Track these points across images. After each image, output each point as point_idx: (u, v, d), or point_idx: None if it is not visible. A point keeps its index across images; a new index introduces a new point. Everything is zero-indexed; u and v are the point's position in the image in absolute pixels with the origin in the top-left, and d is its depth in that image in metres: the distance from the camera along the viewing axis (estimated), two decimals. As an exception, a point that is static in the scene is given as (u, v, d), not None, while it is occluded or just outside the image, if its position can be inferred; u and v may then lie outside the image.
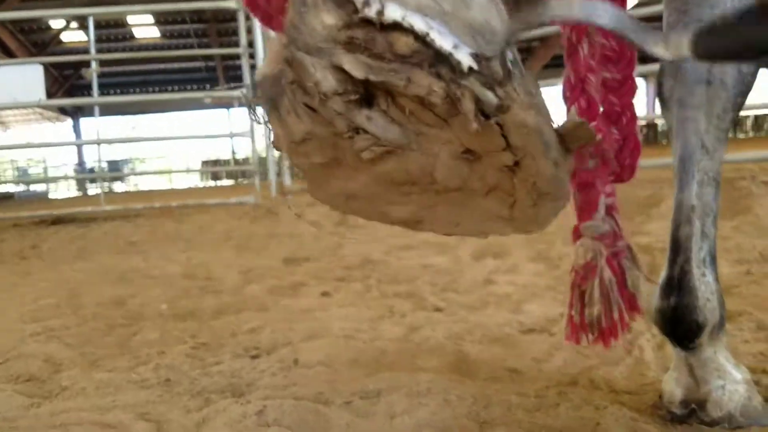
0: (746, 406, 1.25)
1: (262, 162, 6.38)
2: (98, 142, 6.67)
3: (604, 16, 0.44)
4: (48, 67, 26.23)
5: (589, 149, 1.21)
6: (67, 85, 28.00)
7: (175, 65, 28.27)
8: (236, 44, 6.42)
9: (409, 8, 0.46)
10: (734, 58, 0.43)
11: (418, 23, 0.46)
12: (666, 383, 1.33)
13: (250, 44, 6.11)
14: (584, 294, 1.37)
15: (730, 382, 1.26)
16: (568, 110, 1.31)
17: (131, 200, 9.30)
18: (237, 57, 7.02)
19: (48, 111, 29.89)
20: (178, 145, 33.88)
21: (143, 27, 24.68)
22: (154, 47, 24.91)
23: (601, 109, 1.35)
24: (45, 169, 31.15)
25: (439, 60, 0.46)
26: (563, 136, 0.52)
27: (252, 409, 1.47)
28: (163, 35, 25.35)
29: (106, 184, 26.14)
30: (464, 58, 0.46)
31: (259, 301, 2.66)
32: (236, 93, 6.23)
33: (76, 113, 31.16)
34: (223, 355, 1.95)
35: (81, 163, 31.72)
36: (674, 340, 1.26)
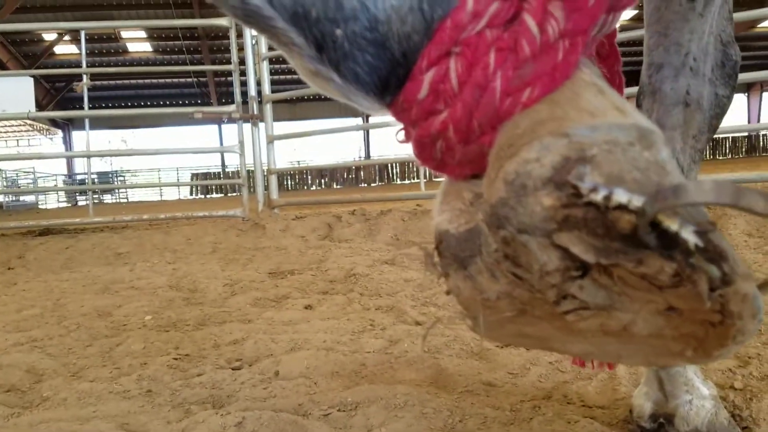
0: (712, 422, 1.28)
1: (251, 176, 6.40)
2: (88, 155, 6.67)
3: (727, 195, 0.47)
4: (40, 80, 26.21)
5: None
6: (58, 97, 27.98)
7: (167, 80, 28.33)
8: (228, 61, 6.47)
9: (635, 191, 0.47)
10: None
11: (647, 204, 0.47)
12: (636, 398, 1.37)
13: (242, 62, 6.16)
14: None
15: (697, 398, 1.29)
16: None
17: (120, 212, 9.29)
18: (229, 74, 7.05)
19: (39, 123, 29.84)
20: (169, 159, 33.85)
21: (136, 42, 24.73)
22: (147, 62, 24.97)
23: None
24: (35, 180, 31.02)
25: (663, 238, 0.47)
26: (762, 290, 0.54)
27: (231, 420, 1.49)
28: (156, 50, 25.41)
29: (95, 196, 26.09)
30: (691, 237, 0.47)
31: (243, 312, 2.68)
32: (227, 108, 6.26)
33: (67, 125, 31.12)
34: (205, 367, 1.96)
35: (71, 174, 31.65)
36: None
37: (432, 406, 1.52)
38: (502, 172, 0.52)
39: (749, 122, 27.80)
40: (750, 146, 29.89)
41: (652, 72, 1.23)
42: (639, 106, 1.26)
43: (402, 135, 0.61)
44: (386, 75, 0.55)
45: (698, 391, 1.29)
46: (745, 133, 30.43)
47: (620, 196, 0.47)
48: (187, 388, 1.79)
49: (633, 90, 1.68)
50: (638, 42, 1.48)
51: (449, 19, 0.53)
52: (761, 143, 30.30)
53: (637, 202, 0.47)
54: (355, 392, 1.66)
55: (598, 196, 0.47)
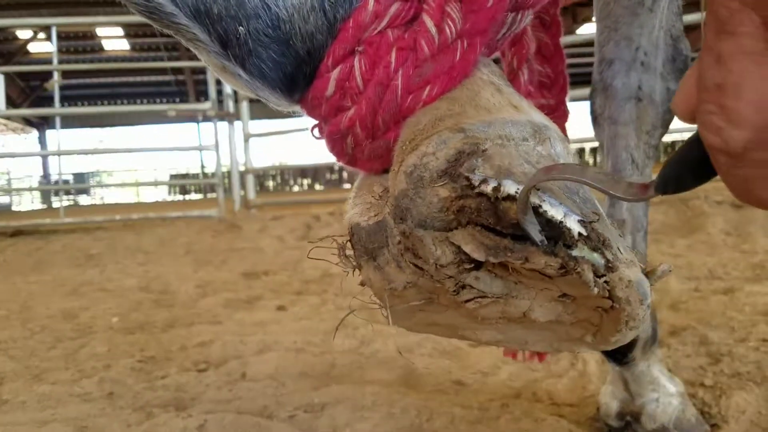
0: (680, 418, 1.27)
1: (228, 176, 6.33)
2: (59, 153, 6.56)
3: (586, 175, 0.49)
4: (14, 78, 25.78)
5: None
6: (33, 96, 27.55)
7: (145, 79, 28.03)
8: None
9: (522, 182, 0.50)
10: (693, 186, 0.48)
11: (532, 196, 0.49)
12: (603, 396, 1.35)
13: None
14: None
15: (663, 395, 1.27)
16: None
17: (95, 213, 9.15)
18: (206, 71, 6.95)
19: (13, 122, 29.38)
20: (146, 159, 33.52)
21: (113, 39, 24.42)
22: (123, 60, 24.67)
23: None
24: (9, 181, 30.53)
25: (550, 228, 0.49)
26: (649, 277, 0.56)
27: (193, 423, 1.45)
28: (133, 48, 25.10)
29: (71, 196, 25.75)
30: (575, 226, 0.49)
31: (213, 314, 2.63)
32: (203, 106, 6.19)
33: (42, 125, 30.66)
34: (170, 369, 1.92)
35: (46, 175, 31.20)
36: (607, 355, 1.27)
37: (400, 405, 1.49)
38: (403, 166, 0.54)
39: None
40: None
41: (603, 68, 1.22)
42: (592, 102, 1.25)
43: (317, 131, 0.64)
44: (292, 72, 0.57)
45: (664, 388, 1.28)
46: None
47: (509, 187, 0.50)
48: (150, 390, 1.74)
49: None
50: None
51: (352, 18, 0.56)
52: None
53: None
54: (322, 393, 1.63)
55: (488, 188, 0.50)
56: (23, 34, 23.08)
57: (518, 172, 0.51)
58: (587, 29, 15.87)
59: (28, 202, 29.26)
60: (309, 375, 1.80)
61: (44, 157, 28.90)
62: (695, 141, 0.45)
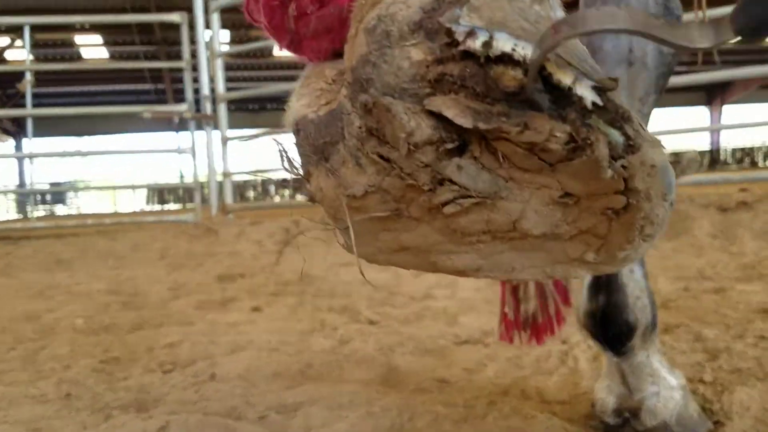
0: (682, 414, 1.17)
1: (205, 184, 6.19)
2: (31, 156, 6.39)
3: (626, 20, 0.36)
4: (-10, 85, 25.40)
5: None
6: (9, 104, 27.16)
7: (123, 87, 27.73)
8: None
9: (521, 37, 0.38)
10: None
11: (532, 53, 0.38)
12: (598, 391, 1.25)
13: (194, 55, 5.95)
14: (517, 290, 1.29)
15: (664, 389, 1.18)
16: None
17: (69, 220, 8.95)
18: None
19: (-12, 130, 28.94)
20: (124, 168, 33.13)
21: (91, 48, 24.16)
22: (102, 68, 24.39)
23: None
24: (-17, 191, 30.01)
25: (557, 97, 0.38)
26: (674, 168, 0.43)
27: (154, 424, 1.33)
28: (112, 56, 24.86)
29: (47, 206, 25.35)
30: (587, 93, 0.38)
31: (184, 315, 2.51)
32: (178, 108, 6.05)
33: (18, 133, 30.21)
34: (134, 370, 1.79)
35: (22, 184, 30.70)
36: (605, 343, 1.17)
37: (380, 404, 1.38)
38: (363, 22, 0.42)
39: (711, 135, 28.43)
40: (711, 159, 30.65)
41: None
42: None
43: (251, 8, 0.50)
44: None
45: (665, 381, 1.18)
46: (707, 147, 31.18)
47: (503, 43, 0.38)
48: (110, 392, 1.62)
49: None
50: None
51: None
52: (722, 157, 31.13)
53: (523, 49, 0.38)
54: (297, 393, 1.52)
55: (476, 43, 0.38)
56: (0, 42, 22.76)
57: (515, 27, 0.39)
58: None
59: (3, 212, 28.76)
60: (283, 375, 1.69)
61: (20, 166, 28.42)
62: None
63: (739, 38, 0.37)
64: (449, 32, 0.39)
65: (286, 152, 0.51)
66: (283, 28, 0.48)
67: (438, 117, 0.40)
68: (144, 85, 26.30)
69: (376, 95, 0.41)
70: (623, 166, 0.40)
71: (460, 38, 0.39)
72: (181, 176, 31.10)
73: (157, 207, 29.29)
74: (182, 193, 28.06)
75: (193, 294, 2.99)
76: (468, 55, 0.39)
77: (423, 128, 0.41)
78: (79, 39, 22.95)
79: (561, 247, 0.47)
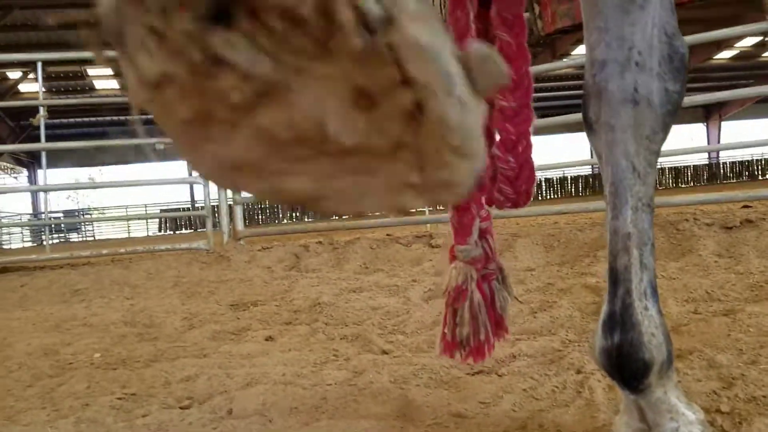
0: (702, 449, 1.17)
1: (217, 209, 6.24)
2: (46, 190, 6.47)
3: None
4: (4, 118, 25.76)
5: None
6: (23, 135, 27.50)
7: (136, 116, 28.00)
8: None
9: None
10: None
11: None
12: (617, 427, 1.25)
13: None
14: (456, 314, 1.39)
15: (684, 424, 1.17)
16: None
17: (83, 249, 9.02)
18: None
19: (2, 161, 29.30)
20: (137, 196, 33.37)
21: (103, 80, 24.49)
22: (114, 98, 24.68)
23: (499, 137, 1.36)
24: (-2, 220, 30.26)
25: None
26: (469, 69, 0.42)
27: (173, 463, 1.34)
28: (123, 87, 25.17)
29: (60, 234, 25.53)
30: None
31: (199, 347, 2.52)
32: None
33: (32, 164, 30.56)
34: (151, 406, 1.81)
35: (36, 213, 30.98)
36: (621, 382, 1.17)
37: (396, 441, 1.39)
38: None
39: (709, 151, 28.42)
40: (710, 174, 30.51)
41: (595, 70, 1.14)
42: (585, 108, 1.17)
43: None
44: None
45: (684, 417, 1.18)
46: (706, 161, 31.08)
47: None
48: (129, 430, 1.63)
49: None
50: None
51: None
52: (721, 171, 30.95)
53: None
54: (313, 429, 1.53)
55: None
56: (13, 75, 23.12)
57: None
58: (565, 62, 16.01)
59: (19, 241, 28.99)
60: (299, 410, 1.70)
61: (34, 195, 28.71)
62: None
63: None
64: None
65: (95, 37, 0.47)
66: None
67: None
68: (155, 113, 26.56)
69: None
70: (388, 47, 0.38)
71: None
72: (193, 201, 31.33)
73: (169, 232, 29.45)
74: (194, 218, 28.22)
75: (207, 324, 3.01)
76: None
77: None
78: (91, 71, 23.26)
79: (388, 169, 0.47)
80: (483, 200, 1.41)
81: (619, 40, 1.11)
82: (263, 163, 0.49)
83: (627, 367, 1.14)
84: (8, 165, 30.55)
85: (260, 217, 30.99)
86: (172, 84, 0.45)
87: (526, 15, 1.37)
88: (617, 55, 1.11)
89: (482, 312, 1.38)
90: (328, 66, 0.41)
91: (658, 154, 1.14)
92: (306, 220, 29.51)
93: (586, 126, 1.18)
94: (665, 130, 1.13)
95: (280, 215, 31.08)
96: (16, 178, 32.30)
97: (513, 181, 1.37)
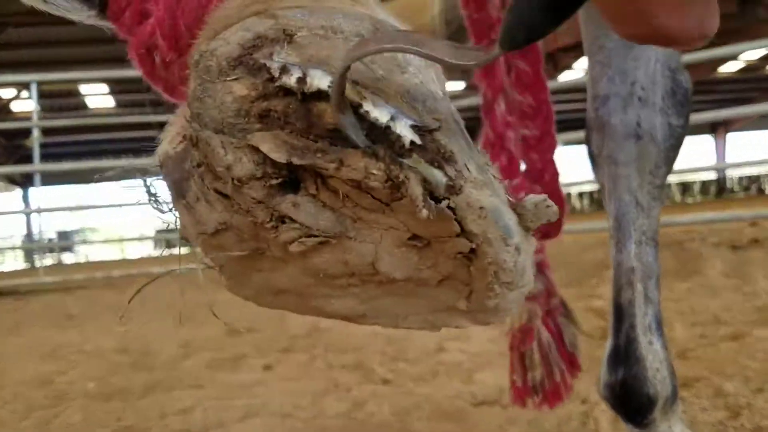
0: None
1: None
2: (39, 211, 6.43)
3: (403, 40, 0.38)
4: (-2, 137, 25.70)
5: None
6: (16, 155, 27.44)
7: (129, 135, 28.04)
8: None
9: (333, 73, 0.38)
10: (548, 28, 0.36)
11: (351, 92, 0.39)
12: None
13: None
14: (524, 357, 1.30)
15: (692, 460, 1.15)
16: None
17: (77, 271, 8.95)
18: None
19: (-4, 180, 29.20)
20: (132, 215, 33.29)
21: (97, 97, 24.49)
22: (108, 117, 24.66)
23: (525, 167, 1.33)
24: (-10, 241, 30.11)
25: (375, 134, 0.39)
26: (522, 215, 0.43)
27: (170, 504, 1.31)
28: (118, 104, 25.18)
29: (55, 255, 25.39)
30: (405, 131, 0.39)
31: (195, 376, 2.48)
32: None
33: (25, 183, 30.47)
34: (148, 440, 1.77)
35: (29, 234, 30.85)
36: (625, 416, 1.15)
37: (399, 479, 1.36)
38: (189, 58, 0.42)
39: (717, 169, 28.50)
40: (719, 188, 30.52)
41: (598, 105, 1.13)
42: (588, 142, 1.17)
43: (131, 54, 0.50)
44: None
45: (693, 452, 1.16)
46: (714, 176, 31.09)
47: (318, 80, 0.38)
48: (124, 466, 1.60)
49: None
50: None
51: None
52: (730, 185, 30.98)
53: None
54: (313, 465, 1.50)
55: (291, 79, 0.38)
56: (6, 94, 23.12)
57: (338, 65, 0.39)
58: (568, 76, 16.10)
59: (11, 262, 28.82)
60: (298, 443, 1.67)
61: (27, 216, 28.63)
62: None
63: (502, 51, 0.38)
64: (267, 69, 0.40)
65: (150, 188, 0.51)
66: (157, 75, 0.48)
67: (261, 152, 0.41)
68: (149, 132, 26.55)
69: (198, 129, 0.41)
70: (451, 209, 0.40)
71: (275, 74, 0.39)
72: (187, 220, 31.06)
73: (164, 250, 29.31)
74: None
75: (202, 351, 2.97)
76: (290, 91, 0.39)
77: (244, 162, 0.41)
78: (84, 88, 23.27)
79: (434, 294, 0.47)
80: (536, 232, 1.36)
81: (622, 75, 1.10)
82: (309, 289, 0.49)
83: (631, 402, 1.13)
84: (1, 185, 30.46)
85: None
86: (230, 230, 0.46)
87: None
88: (620, 89, 1.10)
89: (553, 351, 1.32)
90: (387, 217, 0.42)
91: (662, 187, 1.13)
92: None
93: (590, 159, 1.17)
94: (669, 165, 1.12)
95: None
96: (9, 197, 32.20)
97: None
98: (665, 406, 1.14)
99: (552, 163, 1.36)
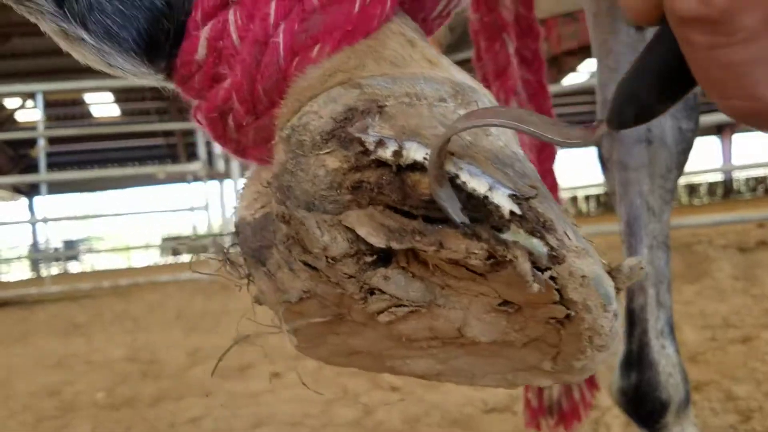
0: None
1: (219, 237, 6.22)
2: (45, 221, 6.46)
3: (506, 115, 0.38)
4: (3, 147, 25.81)
5: None
6: (23, 164, 27.55)
7: (134, 143, 28.10)
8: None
9: (431, 146, 0.38)
10: (661, 109, 0.35)
11: (448, 164, 0.38)
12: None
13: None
14: None
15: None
16: None
17: (84, 280, 8.98)
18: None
19: (2, 190, 29.33)
20: (138, 222, 33.38)
21: (102, 105, 24.57)
22: (114, 125, 24.72)
23: None
24: (-4, 251, 30.21)
25: (472, 205, 0.38)
26: (616, 279, 0.42)
27: None
28: (124, 113, 25.25)
29: (61, 264, 25.48)
30: (504, 202, 0.37)
31: (203, 385, 2.48)
32: (192, 167, 6.12)
33: (30, 192, 30.59)
34: (157, 451, 1.77)
35: (35, 243, 30.97)
36: (639, 421, 1.15)
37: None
38: (280, 132, 0.42)
39: (723, 165, 28.35)
40: (726, 190, 30.35)
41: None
42: (598, 146, 1.17)
43: (198, 115, 0.49)
44: (149, 29, 0.45)
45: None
46: (721, 178, 30.92)
47: (414, 152, 0.38)
48: (135, 477, 1.60)
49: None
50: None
51: None
52: (736, 186, 30.80)
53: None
54: (324, 474, 1.49)
55: (387, 152, 0.38)
56: (11, 103, 23.23)
57: (429, 135, 0.39)
58: (572, 79, 16.08)
59: (17, 271, 28.92)
60: (308, 452, 1.66)
61: (33, 225, 28.74)
62: (655, 41, 0.33)
63: (610, 129, 0.38)
64: (361, 142, 0.39)
65: (227, 254, 0.51)
66: (227, 138, 0.48)
67: (353, 230, 0.40)
68: (155, 140, 26.65)
69: (291, 207, 0.41)
70: (552, 278, 0.39)
71: (371, 147, 0.39)
72: (194, 227, 31.27)
73: (171, 258, 29.39)
74: (195, 244, 28.10)
75: (211, 359, 2.97)
76: (383, 163, 0.39)
77: (339, 242, 0.40)
78: (89, 97, 23.35)
79: (518, 355, 0.46)
80: None
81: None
82: (387, 351, 0.49)
83: (645, 406, 1.13)
84: (7, 194, 30.58)
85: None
86: (313, 298, 0.45)
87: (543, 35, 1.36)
88: None
89: None
90: (479, 285, 0.41)
91: (673, 191, 1.13)
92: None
93: (600, 163, 1.16)
94: (680, 168, 1.12)
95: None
96: (15, 206, 32.31)
97: None
98: (678, 410, 1.14)
99: (551, 172, 1.36)
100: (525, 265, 0.37)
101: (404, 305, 0.43)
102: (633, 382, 1.12)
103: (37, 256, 21.72)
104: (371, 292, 0.42)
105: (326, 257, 0.41)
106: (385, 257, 0.41)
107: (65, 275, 18.80)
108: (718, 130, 28.70)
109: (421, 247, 0.38)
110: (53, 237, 29.82)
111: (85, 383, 2.70)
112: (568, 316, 0.40)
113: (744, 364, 2.00)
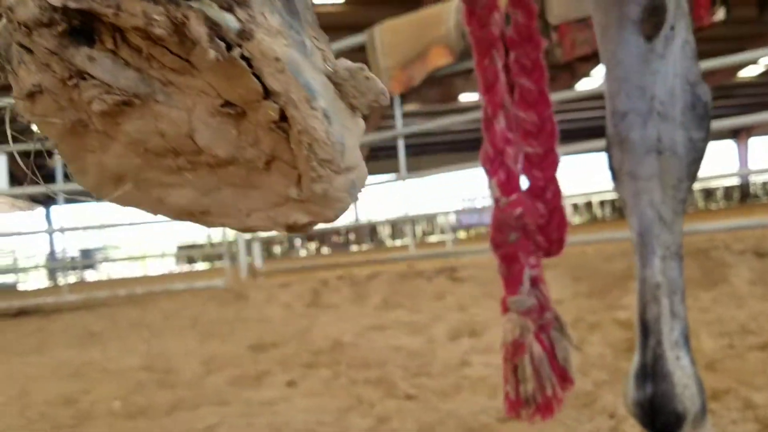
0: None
1: (233, 245, 6.25)
2: (62, 230, 6.52)
3: None
4: (21, 157, 26.07)
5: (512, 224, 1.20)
6: (40, 174, 27.79)
7: (150, 151, 28.26)
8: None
9: None
10: None
11: None
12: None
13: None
14: (517, 369, 1.31)
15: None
16: (489, 184, 1.31)
17: (100, 289, 9.04)
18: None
19: (19, 200, 29.64)
20: (153, 231, 33.59)
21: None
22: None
23: (527, 184, 1.34)
24: (15, 260, 30.50)
25: None
26: (342, 87, 0.43)
27: None
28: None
29: (77, 272, 25.69)
30: None
31: (219, 393, 2.49)
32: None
33: (47, 201, 30.90)
34: (173, 459, 1.78)
35: (52, 252, 31.23)
36: None
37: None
38: None
39: (740, 170, 28.07)
40: (742, 194, 30.04)
41: (617, 120, 1.12)
42: (609, 157, 1.16)
43: None
44: None
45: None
46: (737, 182, 30.61)
47: None
48: (151, 486, 1.60)
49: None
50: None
51: None
52: (753, 190, 30.46)
53: None
54: (339, 483, 1.49)
55: None
56: (29, 114, 23.45)
57: None
58: (586, 84, 16.00)
59: (35, 280, 29.17)
60: (323, 461, 1.66)
61: (50, 235, 28.98)
62: None
63: None
64: None
65: None
66: None
67: None
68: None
69: None
70: (246, 59, 0.38)
71: None
72: (209, 236, 31.45)
73: (185, 266, 29.53)
74: (210, 253, 28.32)
75: (226, 368, 2.97)
76: None
77: (27, 4, 0.39)
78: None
79: (268, 183, 0.47)
80: (531, 248, 1.36)
81: (640, 90, 1.10)
82: (142, 173, 0.49)
83: (660, 419, 1.12)
84: (24, 204, 30.89)
85: (279, 250, 31.00)
86: (45, 94, 0.45)
87: (544, 43, 1.37)
88: (638, 105, 1.10)
89: (545, 365, 1.33)
90: (192, 79, 0.42)
91: (684, 201, 1.12)
92: (323, 252, 29.49)
93: (611, 174, 1.16)
94: (691, 179, 1.11)
95: (298, 248, 31.08)
96: (31, 215, 32.64)
97: (544, 228, 1.34)
98: (694, 422, 1.13)
99: (554, 180, 1.37)
100: (198, 29, 0.37)
101: (117, 93, 0.43)
102: (648, 394, 1.11)
103: (54, 265, 21.91)
104: (83, 77, 0.43)
105: (20, 24, 0.41)
106: (88, 37, 0.41)
107: (82, 284, 18.95)
108: (735, 134, 28.43)
109: (99, 8, 0.38)
110: (70, 246, 30.11)
111: (101, 392, 2.71)
112: (284, 119, 0.41)
113: (763, 372, 1.97)
